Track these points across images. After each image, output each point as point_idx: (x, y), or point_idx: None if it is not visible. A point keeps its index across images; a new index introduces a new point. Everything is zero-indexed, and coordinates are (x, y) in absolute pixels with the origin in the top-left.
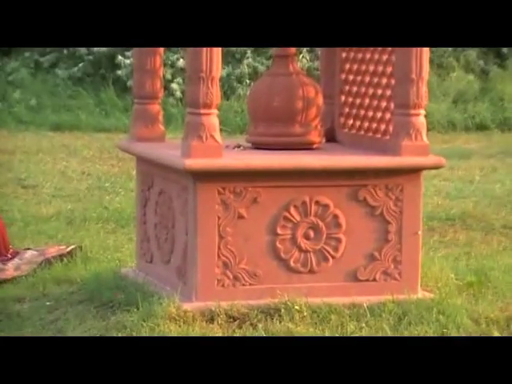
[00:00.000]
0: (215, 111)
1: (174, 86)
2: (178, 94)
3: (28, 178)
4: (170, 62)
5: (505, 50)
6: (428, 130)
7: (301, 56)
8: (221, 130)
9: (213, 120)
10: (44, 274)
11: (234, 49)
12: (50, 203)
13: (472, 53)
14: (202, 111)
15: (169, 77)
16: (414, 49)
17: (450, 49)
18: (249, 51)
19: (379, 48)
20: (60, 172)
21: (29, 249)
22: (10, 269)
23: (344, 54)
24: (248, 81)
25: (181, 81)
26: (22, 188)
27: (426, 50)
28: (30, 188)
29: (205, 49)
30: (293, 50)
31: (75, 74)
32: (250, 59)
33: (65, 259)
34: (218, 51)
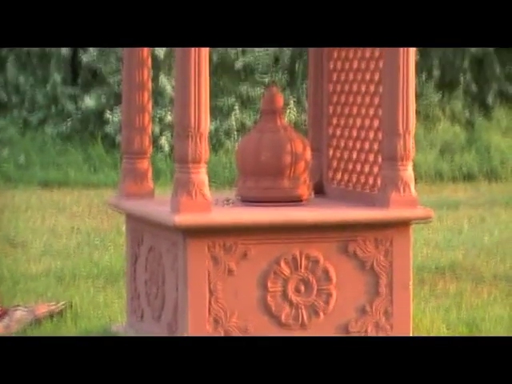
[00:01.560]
0: (204, 167)
1: (163, 141)
2: (167, 149)
3: (17, 236)
4: (158, 118)
5: (490, 100)
6: (415, 180)
7: (288, 111)
8: (209, 183)
9: (202, 176)
10: (34, 333)
11: (222, 103)
12: (40, 260)
13: (457, 104)
14: (191, 168)
15: (157, 132)
16: (400, 102)
17: (436, 100)
18: (236, 106)
19: (366, 102)
20: (49, 229)
21: (18, 306)
22: (0, 328)
23: (331, 108)
24: (236, 134)
25: (169, 136)
26: (10, 246)
27: (412, 104)
28: (19, 246)
29: (192, 105)
30: (280, 105)
31: (64, 131)
32: (238, 113)
33: (55, 317)
34: (206, 107)
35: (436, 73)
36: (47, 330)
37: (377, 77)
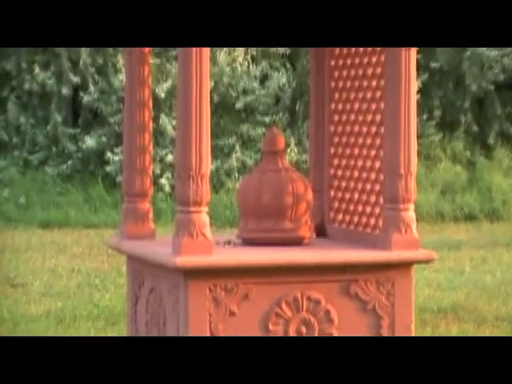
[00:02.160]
0: (205, 208)
1: (163, 180)
2: (167, 188)
3: (17, 277)
4: (158, 157)
5: (491, 140)
6: (417, 220)
7: (289, 151)
8: (210, 223)
9: (203, 217)
10: None
11: (223, 143)
12: (40, 302)
13: (459, 144)
14: (192, 209)
15: (158, 172)
16: (401, 143)
17: (437, 140)
18: (237, 146)
19: (367, 143)
20: (49, 270)
21: None
22: None
23: (332, 149)
24: (237, 175)
25: (170, 176)
26: (11, 287)
27: (413, 145)
28: (19, 287)
29: (194, 146)
30: (282, 146)
31: (64, 171)
32: (239, 153)
33: None
34: (207, 148)
35: (437, 113)
36: None
37: (378, 118)
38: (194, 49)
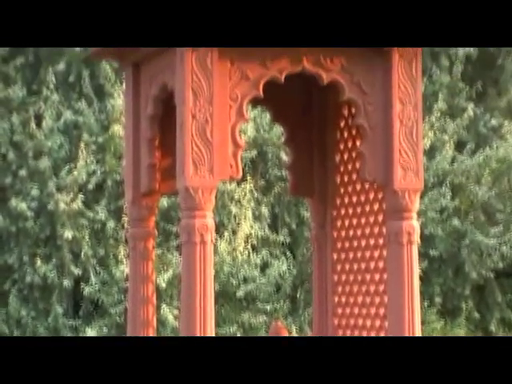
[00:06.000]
0: None
1: None
2: None
3: None
4: None
5: (493, 328)
6: None
7: None
8: None
9: None
10: None
11: (224, 331)
12: None
13: (460, 331)
14: None
15: None
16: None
17: (439, 327)
18: (238, 333)
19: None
20: None
21: None
22: None
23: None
24: None
25: None
26: None
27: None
28: None
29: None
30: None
31: None
32: None
33: None
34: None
35: (438, 300)
36: None
37: (382, 311)
38: (198, 243)
